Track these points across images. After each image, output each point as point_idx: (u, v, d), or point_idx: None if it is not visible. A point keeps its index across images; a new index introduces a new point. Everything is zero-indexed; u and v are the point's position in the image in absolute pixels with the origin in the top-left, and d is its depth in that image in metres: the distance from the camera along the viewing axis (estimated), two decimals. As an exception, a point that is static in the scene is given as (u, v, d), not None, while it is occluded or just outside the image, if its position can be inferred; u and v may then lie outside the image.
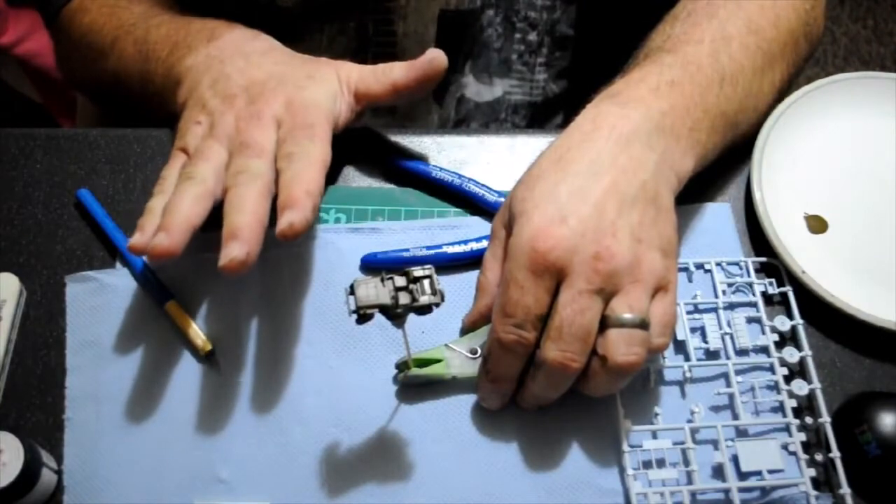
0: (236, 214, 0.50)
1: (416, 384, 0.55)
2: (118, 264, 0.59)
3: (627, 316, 0.48)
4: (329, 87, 0.57)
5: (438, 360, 0.54)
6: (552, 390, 0.51)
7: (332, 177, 0.63)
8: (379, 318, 0.48)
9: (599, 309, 0.49)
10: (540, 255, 0.48)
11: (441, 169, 0.63)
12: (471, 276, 0.58)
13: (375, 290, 0.47)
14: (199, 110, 0.56)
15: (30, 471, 0.49)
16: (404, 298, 0.47)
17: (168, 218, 0.51)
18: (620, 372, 0.49)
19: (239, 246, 0.49)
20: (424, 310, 0.48)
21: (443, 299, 0.48)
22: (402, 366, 0.54)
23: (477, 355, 0.55)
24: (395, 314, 0.48)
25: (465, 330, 0.56)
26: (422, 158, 0.64)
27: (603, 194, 0.50)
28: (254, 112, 0.54)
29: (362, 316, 0.47)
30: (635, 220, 0.50)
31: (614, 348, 0.49)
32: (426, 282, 0.48)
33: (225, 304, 0.58)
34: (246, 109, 0.55)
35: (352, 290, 0.47)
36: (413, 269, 0.48)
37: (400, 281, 0.48)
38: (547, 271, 0.49)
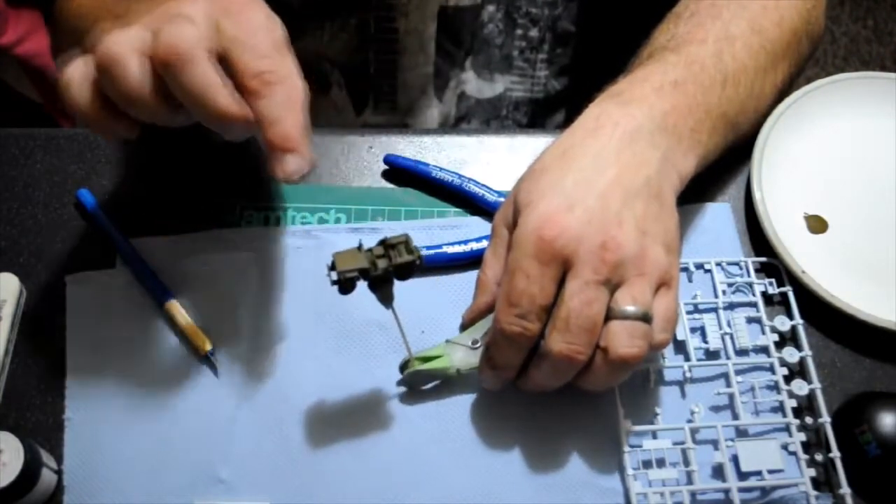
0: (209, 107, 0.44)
1: (420, 383, 0.55)
2: (118, 264, 0.59)
3: (631, 308, 0.48)
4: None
5: (441, 356, 0.54)
6: (555, 380, 0.51)
7: (331, 177, 0.64)
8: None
9: (606, 301, 0.49)
10: (546, 242, 0.48)
11: (441, 169, 0.63)
12: (471, 276, 0.58)
13: (353, 257, 0.48)
14: None
15: (30, 471, 0.49)
16: (383, 263, 0.48)
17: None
18: (622, 364, 0.49)
19: (294, 158, 0.45)
20: (405, 270, 0.49)
21: (420, 259, 0.49)
22: (404, 365, 0.54)
23: (478, 345, 0.55)
24: (375, 277, 0.48)
25: (464, 327, 0.56)
26: (421, 158, 0.64)
27: (608, 186, 0.50)
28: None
29: (343, 282, 0.48)
30: (639, 212, 0.50)
31: (616, 340, 0.48)
32: (401, 246, 0.48)
33: (225, 304, 0.58)
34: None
35: (333, 266, 0.47)
36: (389, 237, 0.49)
37: (378, 251, 0.48)
38: (553, 260, 0.48)
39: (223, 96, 0.44)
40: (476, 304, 0.55)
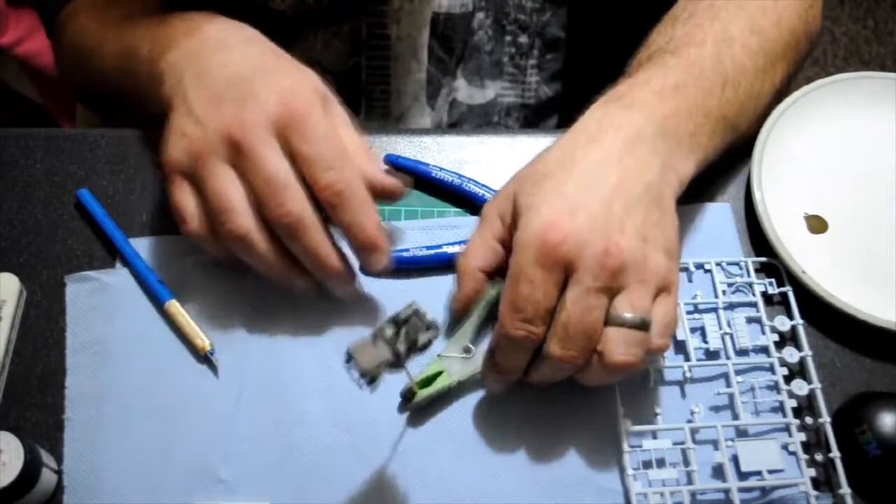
0: (326, 270, 0.53)
1: (425, 405, 0.55)
2: (118, 264, 0.59)
3: (629, 315, 0.49)
4: (321, 85, 0.55)
5: (439, 373, 0.54)
6: (552, 378, 0.52)
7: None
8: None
9: (605, 307, 0.49)
10: (550, 248, 0.48)
11: (441, 169, 0.63)
12: (471, 276, 0.58)
13: (374, 350, 0.47)
14: (185, 117, 0.53)
15: (30, 471, 0.49)
16: (402, 344, 0.48)
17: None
18: (616, 370, 0.49)
19: (350, 285, 0.55)
20: (426, 347, 0.49)
21: (438, 330, 0.49)
22: (407, 393, 0.54)
23: (471, 353, 0.54)
24: (401, 364, 0.48)
25: (455, 318, 0.56)
26: (421, 159, 0.64)
27: (610, 192, 0.50)
28: (247, 122, 0.51)
29: (372, 381, 0.47)
30: (641, 219, 0.50)
31: (612, 347, 0.49)
32: (414, 319, 0.48)
33: (225, 304, 0.58)
34: (236, 117, 0.51)
35: (349, 358, 0.47)
36: (398, 313, 0.48)
37: (389, 330, 0.48)
38: (556, 265, 0.48)
39: (334, 258, 0.53)
40: (462, 291, 0.55)
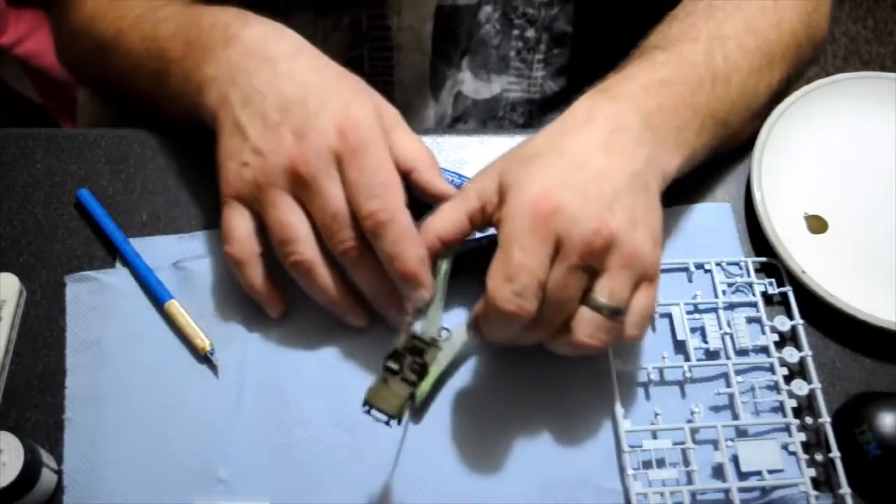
0: (382, 301, 0.54)
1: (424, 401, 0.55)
2: (118, 264, 0.59)
3: (604, 301, 0.49)
4: (374, 97, 0.55)
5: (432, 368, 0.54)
6: (522, 342, 0.52)
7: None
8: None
9: (582, 285, 0.49)
10: (542, 218, 0.48)
11: (441, 169, 0.62)
12: (468, 275, 0.58)
13: (390, 390, 0.48)
14: (241, 144, 0.53)
15: (30, 471, 0.49)
16: (411, 374, 0.48)
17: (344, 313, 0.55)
18: (579, 348, 0.50)
19: (418, 290, 0.53)
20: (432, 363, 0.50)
21: (439, 344, 0.50)
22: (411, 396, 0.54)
23: (449, 334, 0.54)
24: (421, 383, 0.49)
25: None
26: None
27: (599, 175, 0.50)
28: (310, 155, 0.51)
29: (400, 420, 0.48)
30: (629, 204, 0.50)
31: (581, 327, 0.49)
32: (414, 344, 0.49)
33: (225, 304, 0.58)
34: (298, 150, 0.51)
35: (371, 407, 0.48)
36: (395, 345, 0.49)
37: (395, 366, 0.48)
38: (548, 236, 0.48)
39: (393, 287, 0.53)
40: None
